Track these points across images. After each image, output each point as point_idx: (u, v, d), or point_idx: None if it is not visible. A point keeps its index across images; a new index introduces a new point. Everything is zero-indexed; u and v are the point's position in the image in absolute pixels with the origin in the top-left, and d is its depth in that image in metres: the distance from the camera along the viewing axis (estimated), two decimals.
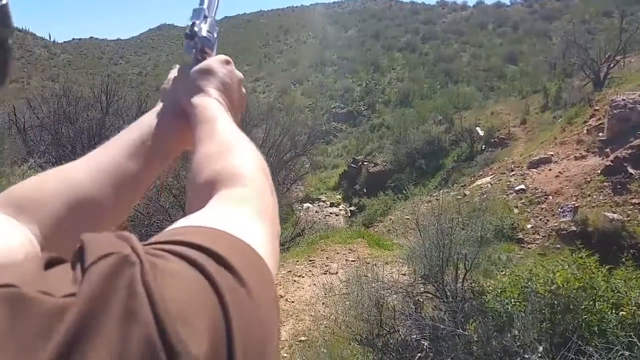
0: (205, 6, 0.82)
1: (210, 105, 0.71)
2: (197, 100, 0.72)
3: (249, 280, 0.36)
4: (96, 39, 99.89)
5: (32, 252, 0.51)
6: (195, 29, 0.79)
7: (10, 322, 0.26)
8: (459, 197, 13.48)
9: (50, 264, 0.33)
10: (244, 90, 0.81)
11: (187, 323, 0.30)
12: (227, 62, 0.78)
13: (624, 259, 4.29)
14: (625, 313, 3.54)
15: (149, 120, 0.73)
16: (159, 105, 0.77)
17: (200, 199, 0.52)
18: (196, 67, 0.76)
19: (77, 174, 0.61)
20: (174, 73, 0.80)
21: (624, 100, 13.20)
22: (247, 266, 0.38)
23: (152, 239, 0.39)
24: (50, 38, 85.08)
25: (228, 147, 0.61)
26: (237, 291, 0.35)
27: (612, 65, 20.22)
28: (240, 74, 0.80)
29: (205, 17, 0.81)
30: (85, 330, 0.27)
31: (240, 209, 0.49)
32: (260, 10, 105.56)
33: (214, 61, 0.77)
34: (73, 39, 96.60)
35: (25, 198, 0.56)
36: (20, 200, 0.55)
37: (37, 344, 0.26)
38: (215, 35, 0.82)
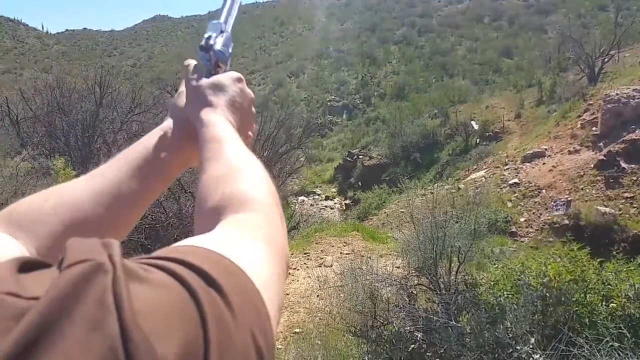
0: (222, 20, 0.83)
1: (219, 122, 0.69)
2: (206, 115, 0.71)
3: (236, 306, 0.35)
4: (90, 30, 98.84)
5: None
6: (211, 42, 0.78)
7: None
8: (453, 190, 13.53)
9: (30, 268, 0.33)
10: (254, 110, 0.79)
11: (156, 333, 0.29)
12: (239, 80, 0.77)
13: (614, 252, 4.34)
14: (615, 305, 3.59)
15: (153, 138, 0.71)
16: (167, 122, 0.75)
17: (209, 222, 0.52)
18: (207, 81, 0.75)
19: (76, 194, 0.61)
20: (183, 87, 0.78)
21: (617, 95, 13.26)
22: (238, 293, 0.37)
23: (151, 255, 0.38)
24: (43, 29, 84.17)
25: (237, 169, 0.60)
26: (221, 310, 0.34)
27: (606, 59, 20.28)
28: (251, 94, 0.78)
29: (222, 31, 0.81)
30: (43, 334, 0.26)
31: (248, 236, 0.48)
32: (256, 2, 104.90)
33: (226, 77, 0.76)
34: (66, 30, 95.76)
35: (25, 216, 0.57)
36: (20, 219, 0.56)
37: None
38: (230, 51, 0.81)
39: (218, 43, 0.79)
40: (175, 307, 0.32)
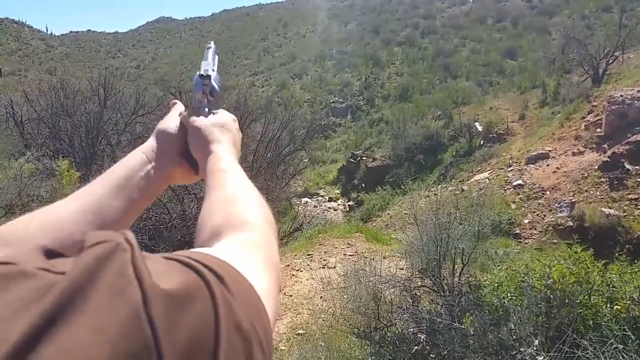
0: (210, 61, 0.95)
1: (225, 156, 0.77)
2: (215, 148, 0.78)
3: (239, 298, 0.39)
4: (94, 31, 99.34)
5: None
6: (210, 73, 0.90)
7: (2, 295, 0.30)
8: (457, 192, 13.49)
9: (53, 255, 0.37)
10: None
11: (175, 302, 0.33)
12: (235, 121, 0.88)
13: (618, 254, 4.32)
14: (619, 307, 3.57)
15: (135, 157, 0.76)
16: (150, 142, 0.80)
17: (210, 239, 0.57)
18: (214, 121, 0.83)
19: (61, 214, 0.65)
20: (175, 115, 0.85)
21: (622, 96, 13.22)
22: (240, 290, 0.40)
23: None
24: (47, 30, 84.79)
25: (239, 197, 0.66)
26: (227, 297, 0.37)
27: (610, 61, 20.19)
28: (240, 133, 0.88)
29: (213, 70, 0.93)
30: (72, 301, 0.29)
31: (248, 253, 0.53)
32: (260, 4, 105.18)
33: (228, 118, 0.86)
34: (70, 32, 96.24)
35: (12, 236, 0.60)
36: (7, 238, 0.59)
37: (25, 310, 0.29)
38: (220, 86, 0.94)
39: (213, 76, 0.91)
40: (190, 283, 0.35)
